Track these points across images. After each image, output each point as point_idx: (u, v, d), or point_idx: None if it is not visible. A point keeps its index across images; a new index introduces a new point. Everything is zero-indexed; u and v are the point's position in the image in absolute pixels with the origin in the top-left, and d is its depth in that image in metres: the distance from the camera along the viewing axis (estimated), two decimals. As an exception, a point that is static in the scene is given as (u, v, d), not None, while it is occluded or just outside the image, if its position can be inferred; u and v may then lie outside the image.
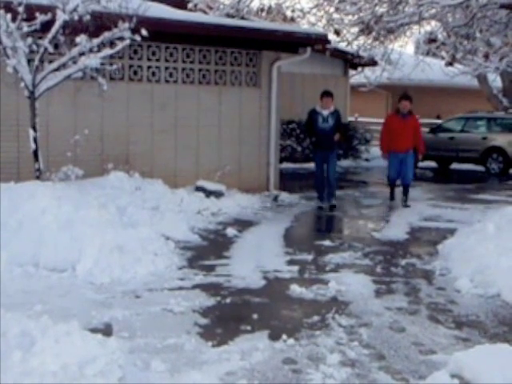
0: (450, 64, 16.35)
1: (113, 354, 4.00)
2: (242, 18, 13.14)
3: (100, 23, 8.25)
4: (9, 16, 7.92)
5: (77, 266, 6.79)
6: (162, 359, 4.60)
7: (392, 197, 12.76)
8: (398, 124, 12.00)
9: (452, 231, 9.07)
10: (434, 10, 11.58)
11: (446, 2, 10.34)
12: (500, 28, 13.61)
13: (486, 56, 16.39)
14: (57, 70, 8.48)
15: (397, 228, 10.00)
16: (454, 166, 20.21)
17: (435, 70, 19.45)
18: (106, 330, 5.14)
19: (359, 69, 21.61)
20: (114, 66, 9.01)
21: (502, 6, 11.14)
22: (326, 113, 11.41)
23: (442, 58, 18.99)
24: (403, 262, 7.91)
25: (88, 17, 8.11)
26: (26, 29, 8.09)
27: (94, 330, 4.68)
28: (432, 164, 20.26)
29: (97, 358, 3.87)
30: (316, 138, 11.67)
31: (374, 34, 12.61)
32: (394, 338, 5.31)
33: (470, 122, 19.82)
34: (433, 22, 16.15)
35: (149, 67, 11.48)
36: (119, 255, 6.98)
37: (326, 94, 11.54)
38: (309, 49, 12.93)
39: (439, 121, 22.79)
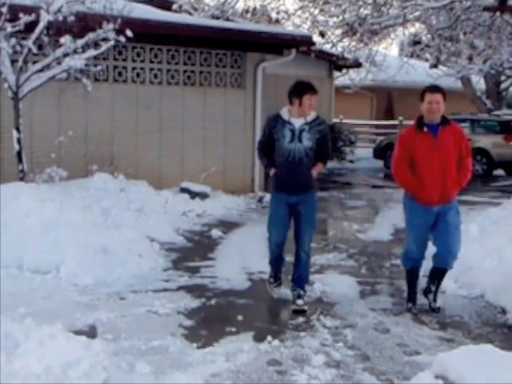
0: (434, 66, 16.46)
1: (97, 356, 3.99)
2: (227, 19, 13.12)
3: (84, 24, 8.23)
4: (-8, 16, 7.89)
5: (61, 268, 6.75)
6: (147, 361, 4.58)
7: (412, 297, 6.13)
8: (428, 147, 5.70)
9: (436, 232, 9.09)
10: (418, 13, 11.62)
11: (429, 5, 10.39)
12: (483, 30, 13.71)
13: (470, 58, 16.51)
14: (41, 70, 8.45)
15: (382, 229, 10.02)
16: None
17: (419, 72, 19.53)
18: (91, 332, 5.11)
19: (344, 70, 21.68)
20: (99, 67, 8.97)
21: (486, 9, 11.23)
22: (298, 123, 5.86)
23: (426, 60, 19.12)
24: (388, 263, 7.93)
25: (72, 17, 8.09)
26: (9, 29, 8.06)
27: (78, 332, 4.65)
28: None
29: (81, 360, 3.86)
30: (277, 169, 6.04)
31: (358, 35, 12.64)
32: (379, 339, 5.32)
33: (454, 123, 19.90)
34: (417, 24, 16.25)
35: (133, 68, 11.45)
36: (103, 257, 6.95)
37: (309, 89, 5.85)
38: (294, 50, 12.98)
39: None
